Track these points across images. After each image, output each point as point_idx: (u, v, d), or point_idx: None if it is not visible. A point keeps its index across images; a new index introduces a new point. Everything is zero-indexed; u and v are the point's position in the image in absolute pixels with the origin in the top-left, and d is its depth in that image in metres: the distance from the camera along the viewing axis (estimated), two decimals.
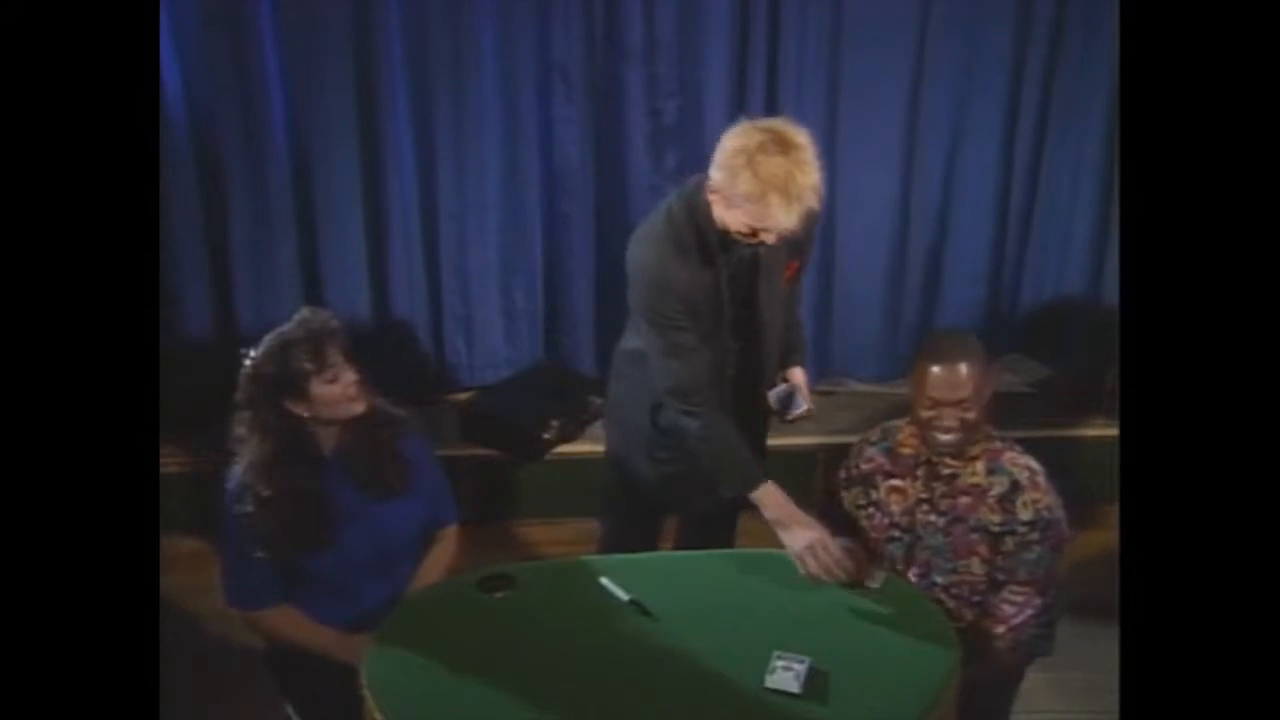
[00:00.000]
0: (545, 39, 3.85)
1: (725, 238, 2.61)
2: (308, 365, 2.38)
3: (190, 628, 3.47)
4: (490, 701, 2.23)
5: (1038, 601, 2.43)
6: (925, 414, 2.41)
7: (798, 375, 2.96)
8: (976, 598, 2.47)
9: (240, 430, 2.46)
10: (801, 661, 2.25)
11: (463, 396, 4.22)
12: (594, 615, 2.45)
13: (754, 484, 2.65)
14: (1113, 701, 1.85)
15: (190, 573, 3.51)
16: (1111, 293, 4.15)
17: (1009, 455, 2.47)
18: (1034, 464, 2.46)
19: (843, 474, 2.68)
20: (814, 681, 2.23)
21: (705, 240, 2.63)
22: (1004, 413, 2.51)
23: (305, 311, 2.46)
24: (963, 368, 2.37)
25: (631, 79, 3.92)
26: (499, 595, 2.49)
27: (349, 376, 2.42)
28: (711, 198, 2.56)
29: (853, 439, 2.76)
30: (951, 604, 2.47)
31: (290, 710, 2.64)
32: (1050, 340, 4.32)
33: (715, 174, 2.51)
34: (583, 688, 2.27)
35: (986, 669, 2.40)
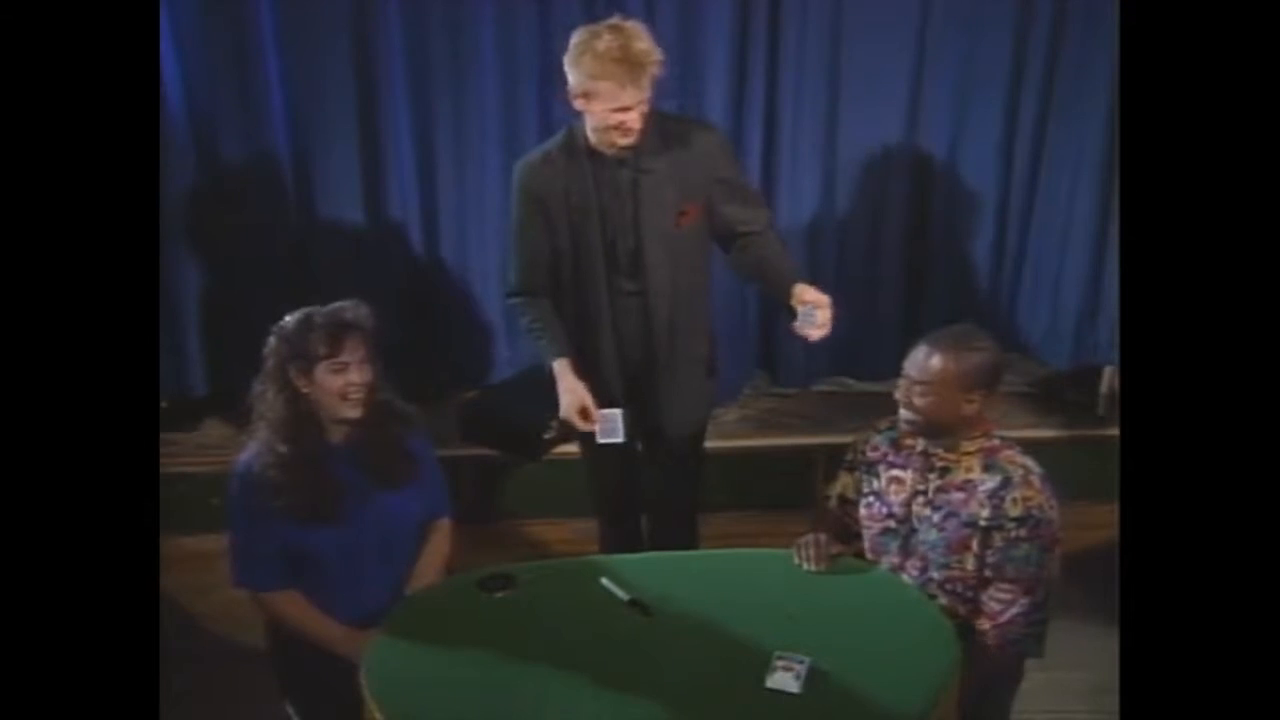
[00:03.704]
0: (545, 39, 3.85)
1: (597, 159, 2.85)
2: (320, 350, 2.41)
3: (190, 628, 3.47)
4: (490, 701, 2.24)
5: (1025, 600, 2.43)
6: (899, 382, 2.49)
7: (805, 292, 2.85)
8: (969, 593, 2.48)
9: (260, 387, 2.48)
10: (801, 661, 2.25)
11: (463, 396, 4.22)
12: (594, 615, 2.45)
13: (551, 358, 2.97)
14: (1113, 701, 1.85)
15: (190, 573, 3.52)
16: (1111, 293, 4.14)
17: (1006, 453, 2.47)
18: (1031, 464, 2.46)
19: (849, 456, 2.71)
20: (814, 681, 2.23)
21: (573, 151, 2.86)
22: (1004, 413, 2.51)
23: (349, 302, 2.49)
24: (937, 357, 2.42)
25: None
26: (500, 595, 2.49)
27: (355, 377, 2.43)
28: (577, 105, 2.79)
29: (852, 440, 2.77)
30: (946, 600, 2.48)
31: (290, 710, 2.64)
32: (1050, 340, 4.31)
33: (569, 79, 2.76)
34: (583, 688, 2.27)
35: (976, 667, 2.40)
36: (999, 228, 4.22)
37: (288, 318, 2.48)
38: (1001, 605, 2.43)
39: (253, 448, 2.48)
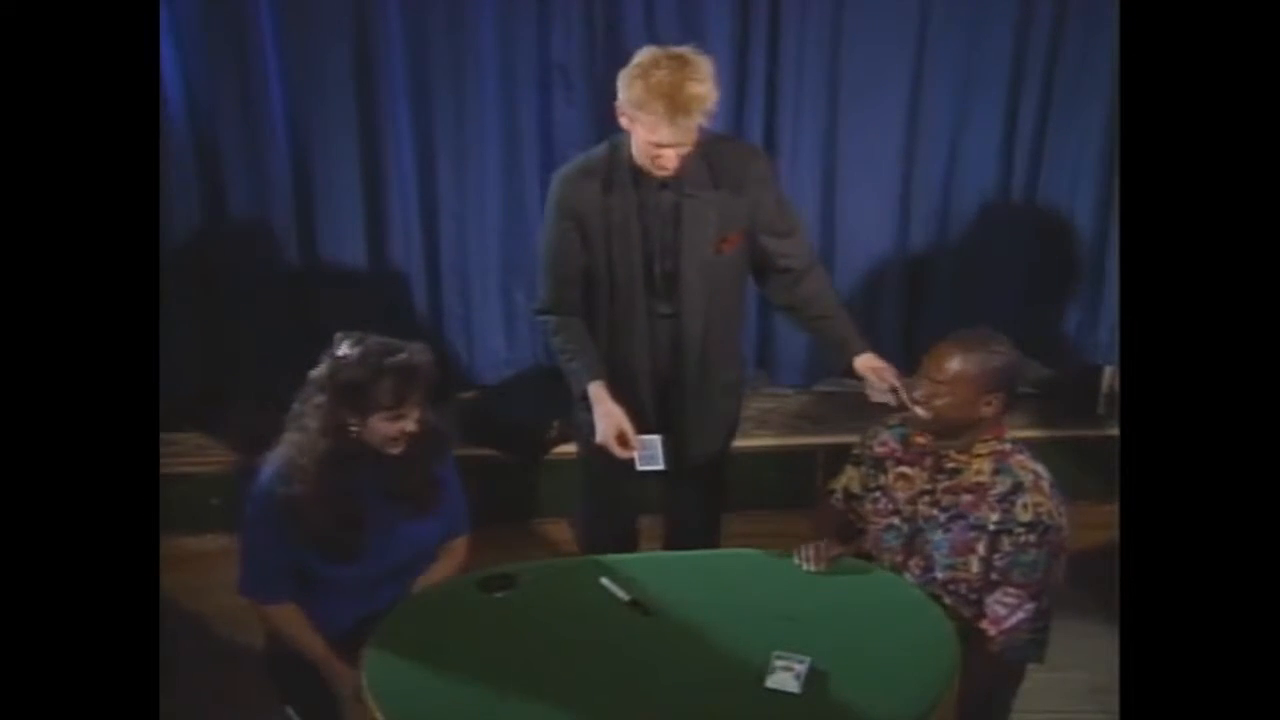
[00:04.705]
0: (545, 39, 3.85)
1: (639, 177, 2.76)
2: (386, 400, 2.35)
3: (190, 628, 3.47)
4: (490, 701, 2.23)
5: (1030, 606, 2.43)
6: (917, 381, 2.50)
7: (868, 362, 2.85)
8: (973, 595, 2.48)
9: (301, 407, 2.42)
10: (801, 661, 2.25)
11: (463, 396, 4.22)
12: (594, 615, 2.45)
13: (585, 381, 2.84)
14: (1113, 701, 1.85)
15: (190, 573, 3.51)
16: (1111, 293, 4.14)
17: (1018, 458, 2.48)
18: (1042, 470, 2.46)
19: (855, 450, 2.71)
20: (814, 681, 2.23)
21: (615, 171, 2.78)
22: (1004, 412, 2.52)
23: (415, 346, 2.42)
24: (957, 359, 2.42)
25: None
26: (499, 595, 2.49)
27: (411, 426, 2.39)
28: (621, 122, 2.71)
29: (853, 439, 2.77)
30: (949, 600, 2.48)
31: (290, 710, 2.64)
32: (1050, 340, 4.31)
33: (619, 94, 2.68)
34: (583, 688, 2.27)
35: (977, 670, 2.40)
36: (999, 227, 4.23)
37: (345, 348, 2.38)
38: (1007, 610, 2.43)
39: (279, 466, 2.41)
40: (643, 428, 2.86)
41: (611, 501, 3.20)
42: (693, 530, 3.24)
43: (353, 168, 3.93)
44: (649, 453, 2.82)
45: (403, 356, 2.38)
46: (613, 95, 3.92)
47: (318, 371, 2.40)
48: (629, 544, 3.27)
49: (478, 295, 4.19)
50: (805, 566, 2.53)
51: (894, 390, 2.73)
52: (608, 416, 2.81)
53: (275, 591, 2.48)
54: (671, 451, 2.89)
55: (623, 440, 2.80)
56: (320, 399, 2.39)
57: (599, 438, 2.81)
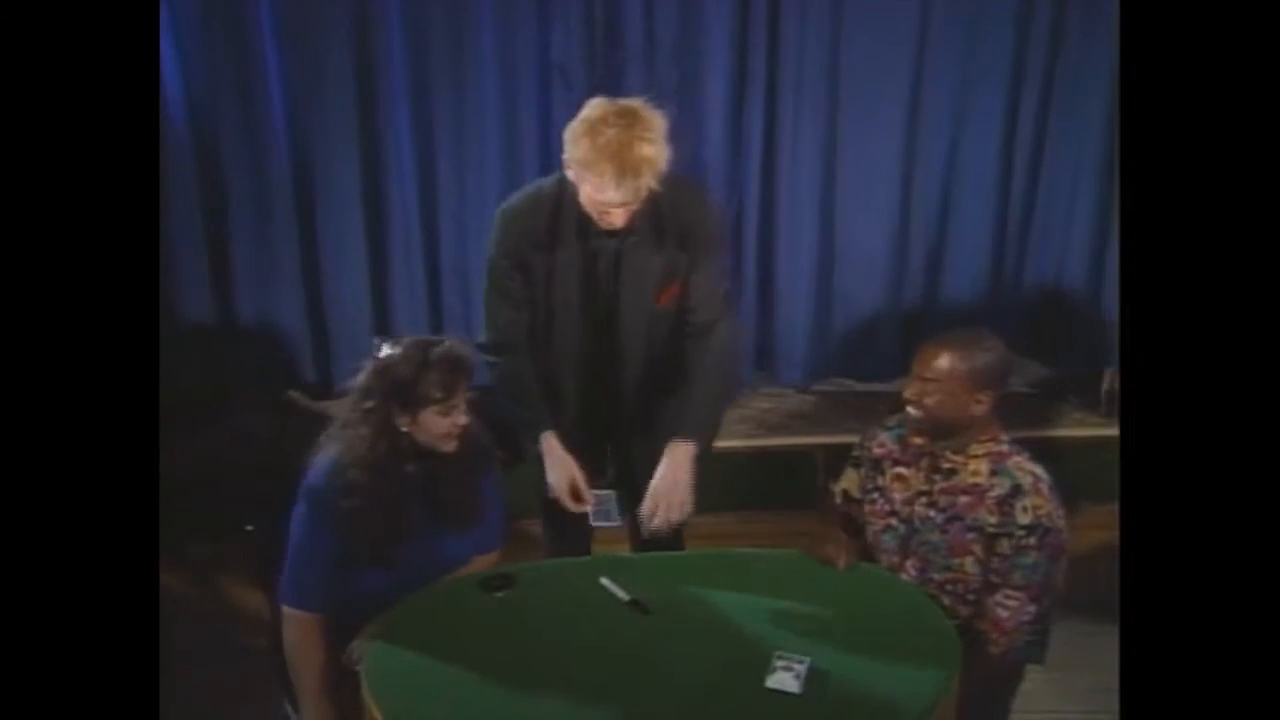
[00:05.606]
0: (545, 39, 3.85)
1: (584, 223, 2.66)
2: (436, 393, 2.36)
3: (190, 628, 3.47)
4: (490, 701, 2.23)
5: (1031, 608, 2.43)
6: (909, 381, 2.50)
7: (678, 452, 2.70)
8: (970, 596, 2.48)
9: (350, 415, 2.42)
10: (801, 661, 2.25)
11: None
12: (594, 615, 2.45)
13: (537, 431, 2.74)
14: (1113, 701, 1.85)
15: (190, 573, 3.51)
16: (1111, 293, 4.15)
17: (1015, 460, 2.47)
18: (1040, 471, 2.46)
19: (854, 452, 2.72)
20: (814, 681, 2.23)
21: (561, 214, 2.68)
22: (1004, 412, 2.52)
23: (453, 338, 2.45)
24: (946, 357, 2.43)
25: (631, 79, 3.92)
26: (499, 594, 2.49)
27: (461, 419, 2.41)
28: (568, 175, 2.62)
29: (853, 439, 2.77)
30: (947, 601, 2.48)
31: (290, 711, 2.64)
32: (1050, 340, 4.31)
33: (565, 148, 2.58)
34: (583, 688, 2.27)
35: (977, 671, 2.40)
36: (999, 228, 4.23)
37: (386, 349, 2.40)
38: (1008, 612, 2.43)
39: (331, 475, 2.40)
40: (592, 466, 2.77)
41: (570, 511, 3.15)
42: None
43: (353, 168, 3.93)
44: (603, 508, 2.74)
45: (445, 347, 2.41)
46: (612, 94, 3.95)
47: (360, 378, 2.42)
48: (587, 550, 3.24)
49: (478, 295, 4.18)
50: (835, 565, 2.53)
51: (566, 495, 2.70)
52: (560, 468, 2.73)
53: (314, 600, 2.45)
54: (625, 506, 2.79)
55: (575, 494, 2.72)
56: (369, 403, 2.39)
57: (551, 491, 2.74)
